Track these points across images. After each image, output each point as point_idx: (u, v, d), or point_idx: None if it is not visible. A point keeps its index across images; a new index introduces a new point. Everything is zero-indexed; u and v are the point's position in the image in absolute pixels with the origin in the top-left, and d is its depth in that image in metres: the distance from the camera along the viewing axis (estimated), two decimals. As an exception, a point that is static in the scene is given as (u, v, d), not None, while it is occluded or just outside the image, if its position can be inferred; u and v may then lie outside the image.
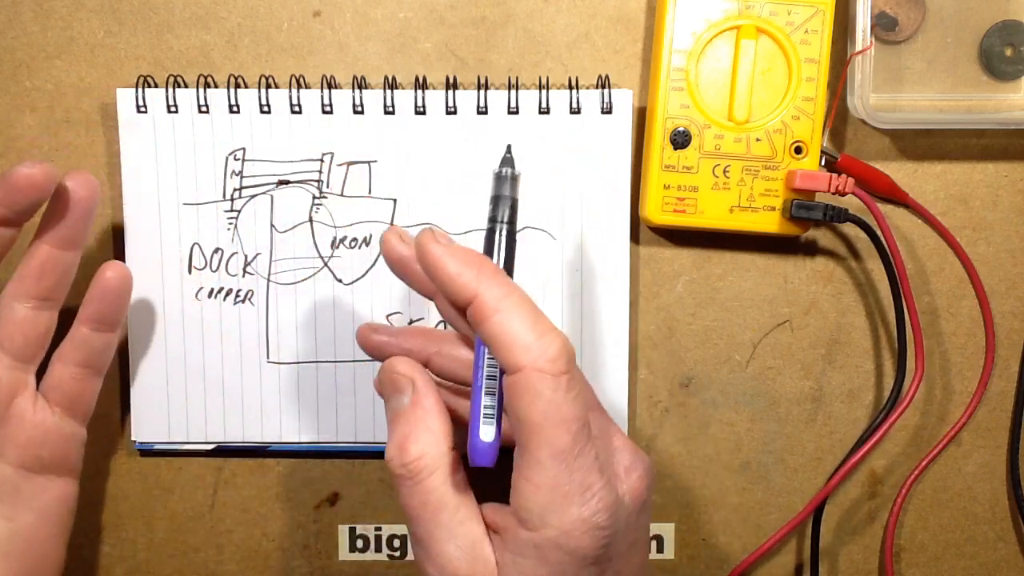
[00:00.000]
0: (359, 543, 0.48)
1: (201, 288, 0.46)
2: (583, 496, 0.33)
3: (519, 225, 0.45)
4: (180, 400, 0.46)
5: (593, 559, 0.33)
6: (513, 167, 0.36)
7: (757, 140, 0.44)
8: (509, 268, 0.36)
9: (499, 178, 0.36)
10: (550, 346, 0.32)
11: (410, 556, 0.48)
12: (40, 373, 0.42)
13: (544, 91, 0.45)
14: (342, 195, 0.45)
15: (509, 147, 0.37)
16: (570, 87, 0.45)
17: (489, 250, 0.36)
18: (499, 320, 0.32)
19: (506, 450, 0.35)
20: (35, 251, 0.40)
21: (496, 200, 0.36)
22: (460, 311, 0.34)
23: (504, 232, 0.36)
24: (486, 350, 0.35)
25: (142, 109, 0.45)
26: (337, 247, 0.46)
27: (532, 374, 0.32)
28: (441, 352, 0.39)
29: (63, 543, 0.42)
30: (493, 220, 0.36)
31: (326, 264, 0.46)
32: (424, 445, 0.35)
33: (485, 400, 0.34)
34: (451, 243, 0.34)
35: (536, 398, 0.32)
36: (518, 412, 0.32)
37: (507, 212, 0.36)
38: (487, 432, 0.34)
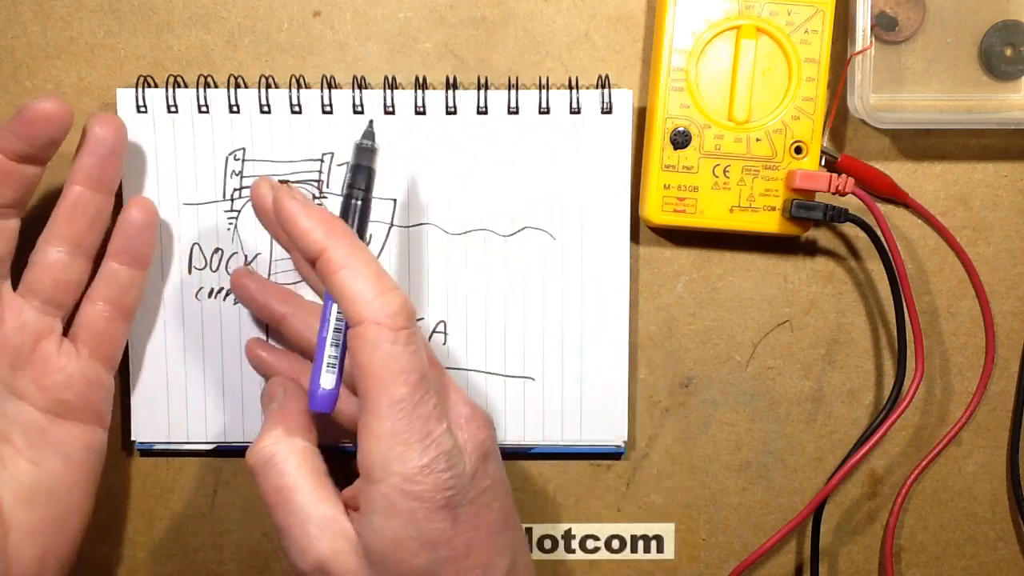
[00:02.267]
0: (359, 543, 0.48)
1: (201, 288, 0.46)
2: (422, 443, 0.34)
3: (519, 226, 0.46)
4: (180, 400, 0.46)
5: (441, 503, 0.35)
6: (373, 140, 0.39)
7: (757, 140, 0.44)
8: (361, 234, 0.39)
9: (360, 149, 0.39)
10: (391, 303, 0.35)
11: (410, 556, 0.48)
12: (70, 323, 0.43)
13: (544, 91, 0.45)
14: (342, 195, 0.45)
15: (371, 122, 0.40)
16: (570, 87, 0.45)
17: (345, 215, 0.39)
18: (344, 275, 0.35)
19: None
20: (67, 193, 0.41)
21: (356, 169, 0.39)
22: (312, 265, 0.36)
23: (360, 200, 0.39)
24: (334, 305, 0.38)
25: (142, 109, 0.45)
26: (337, 247, 0.46)
27: (372, 327, 0.34)
28: (296, 314, 0.43)
29: (90, 494, 0.43)
30: (351, 187, 0.39)
31: (326, 264, 0.46)
32: (277, 435, 0.38)
33: (329, 351, 0.37)
34: (308, 202, 0.37)
35: (376, 349, 0.34)
36: (360, 363, 0.35)
37: (364, 181, 0.39)
38: (328, 380, 0.37)
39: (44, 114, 0.39)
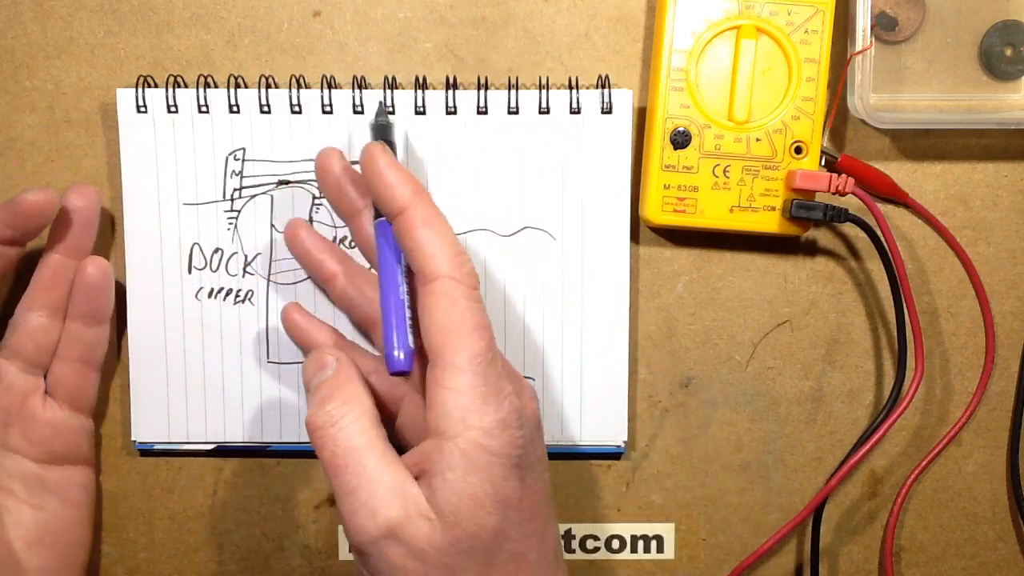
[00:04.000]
0: (359, 543, 0.48)
1: (201, 288, 0.46)
2: (498, 398, 0.35)
3: (519, 226, 0.46)
4: (180, 400, 0.46)
5: (515, 461, 0.35)
6: (386, 115, 0.41)
7: (757, 140, 0.44)
8: None
9: (379, 127, 0.41)
10: (466, 263, 0.36)
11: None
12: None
13: (544, 91, 0.45)
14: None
15: (380, 103, 0.41)
16: (570, 87, 0.45)
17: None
18: (426, 232, 0.36)
19: None
20: (46, 262, 0.43)
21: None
22: (388, 217, 0.38)
23: None
24: (400, 267, 0.39)
25: (142, 109, 0.45)
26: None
27: (449, 282, 0.35)
28: (348, 274, 0.43)
29: (89, 529, 0.45)
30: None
31: (326, 264, 0.46)
32: (348, 395, 0.37)
33: (406, 312, 0.37)
34: (396, 161, 0.38)
35: (453, 304, 0.35)
36: (436, 318, 0.35)
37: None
38: (408, 339, 0.37)
39: (36, 207, 0.40)
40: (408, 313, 0.38)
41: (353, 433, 0.37)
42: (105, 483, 0.48)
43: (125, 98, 0.45)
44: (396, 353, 0.37)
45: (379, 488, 0.35)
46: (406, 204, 0.37)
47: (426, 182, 0.45)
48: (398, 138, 0.45)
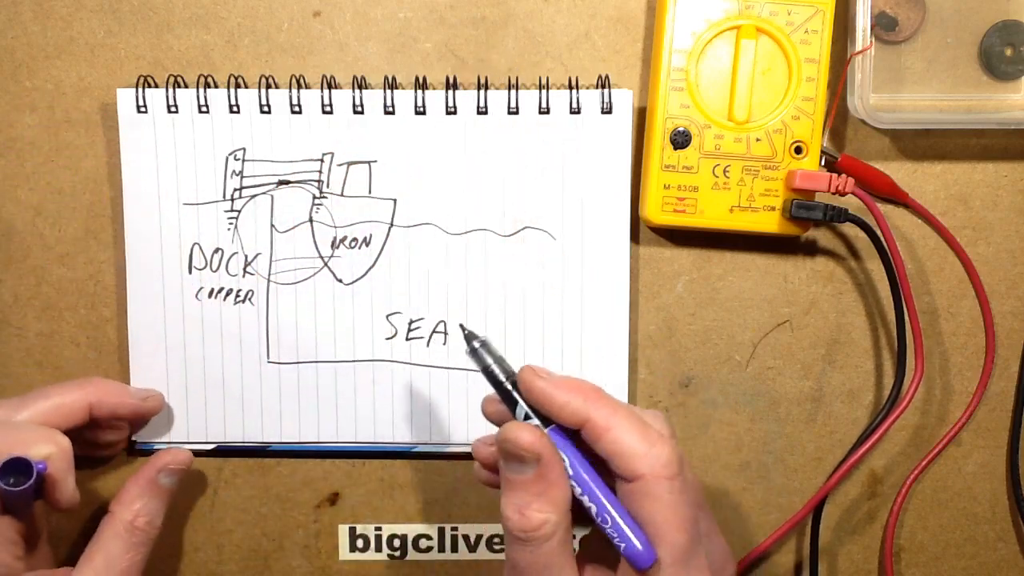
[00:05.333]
0: (359, 543, 0.48)
1: (201, 288, 0.46)
2: None
3: (519, 226, 0.46)
4: (180, 400, 0.46)
5: None
6: (477, 338, 0.38)
7: (757, 140, 0.44)
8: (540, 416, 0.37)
9: (474, 352, 0.38)
10: (662, 452, 0.35)
11: (410, 556, 0.48)
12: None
13: (544, 91, 0.45)
14: (342, 195, 0.45)
15: (462, 326, 0.40)
16: (570, 87, 0.45)
17: (512, 403, 0.38)
18: (614, 436, 0.35)
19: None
20: None
21: (487, 371, 0.38)
22: (574, 432, 0.36)
23: (513, 380, 0.38)
24: (588, 467, 0.36)
25: (142, 109, 0.45)
26: (337, 247, 0.46)
27: (650, 480, 0.34)
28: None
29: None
30: (498, 382, 0.38)
31: (326, 264, 0.46)
32: (547, 514, 0.36)
33: (622, 513, 0.36)
34: (550, 375, 0.37)
35: (656, 502, 0.34)
36: (640, 516, 0.35)
37: (503, 371, 0.38)
38: (637, 538, 0.35)
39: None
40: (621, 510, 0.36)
41: (545, 551, 0.36)
42: (105, 483, 0.48)
43: (125, 98, 0.45)
44: (646, 547, 0.35)
45: None
46: (584, 416, 0.36)
47: (426, 182, 0.45)
48: (398, 143, 0.45)
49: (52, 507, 0.41)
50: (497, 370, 0.38)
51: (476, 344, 0.38)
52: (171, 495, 0.44)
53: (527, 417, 0.37)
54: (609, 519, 0.35)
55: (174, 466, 0.44)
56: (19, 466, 0.38)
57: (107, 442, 0.46)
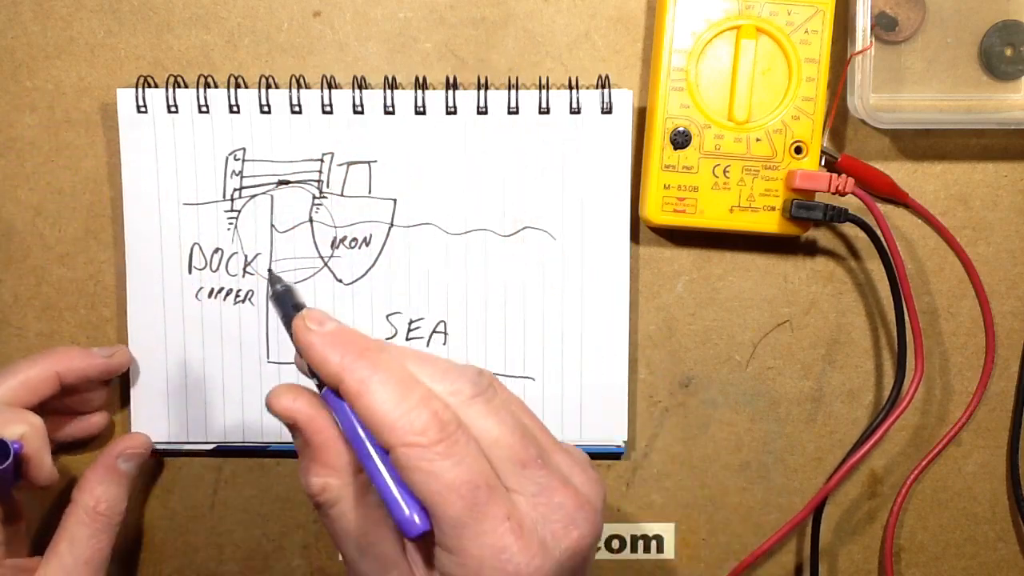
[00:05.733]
0: (359, 543, 0.48)
1: (201, 288, 0.46)
2: (498, 559, 0.32)
3: (519, 226, 0.46)
4: (180, 400, 0.46)
5: None
6: (283, 280, 0.37)
7: (757, 140, 0.44)
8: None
9: (280, 295, 0.36)
10: (415, 419, 0.32)
11: (410, 556, 0.48)
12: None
13: (544, 91, 0.45)
14: (342, 195, 0.45)
15: (271, 271, 0.39)
16: (570, 87, 0.45)
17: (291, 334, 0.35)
18: (363, 403, 0.32)
19: None
20: None
21: (294, 309, 0.36)
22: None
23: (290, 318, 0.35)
24: (360, 436, 0.34)
25: (142, 109, 0.45)
26: (337, 247, 0.46)
27: (401, 450, 0.32)
28: None
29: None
30: (287, 317, 0.36)
31: (326, 264, 0.46)
32: (324, 478, 0.35)
33: (394, 479, 0.33)
34: (323, 325, 0.34)
35: (414, 472, 0.32)
36: (409, 485, 0.32)
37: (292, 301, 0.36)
38: (405, 506, 0.33)
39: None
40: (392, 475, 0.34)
41: (336, 516, 0.35)
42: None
43: (125, 98, 0.45)
44: (410, 516, 0.33)
45: (363, 564, 0.35)
46: (337, 379, 0.33)
47: (426, 182, 0.45)
48: (398, 143, 0.45)
49: (32, 485, 0.41)
50: (287, 310, 0.36)
51: (279, 287, 0.36)
52: (132, 480, 0.45)
53: (312, 374, 0.35)
54: (378, 485, 0.33)
55: (132, 450, 0.45)
56: None
57: (88, 408, 0.46)
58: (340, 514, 0.35)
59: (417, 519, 0.32)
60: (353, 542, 0.35)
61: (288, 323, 0.35)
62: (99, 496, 0.43)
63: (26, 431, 0.40)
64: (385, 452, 0.33)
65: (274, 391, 0.35)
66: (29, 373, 0.42)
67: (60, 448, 0.46)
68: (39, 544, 0.45)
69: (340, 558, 0.36)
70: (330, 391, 0.34)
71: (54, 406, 0.44)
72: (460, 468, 0.32)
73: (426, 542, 0.33)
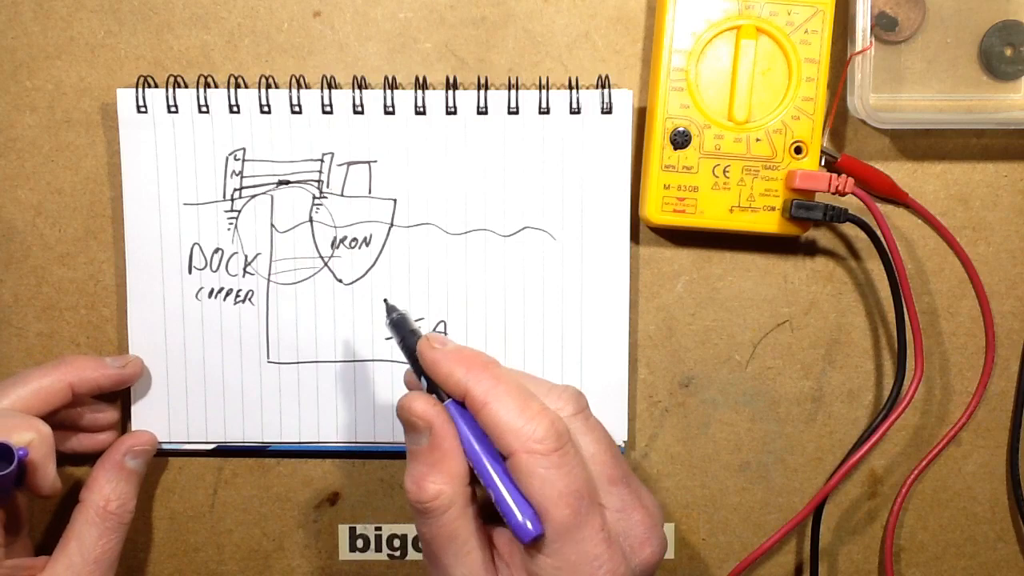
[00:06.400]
0: (359, 543, 0.48)
1: (201, 288, 0.46)
2: (591, 566, 0.34)
3: (519, 226, 0.46)
4: (180, 400, 0.46)
5: None
6: (397, 309, 0.41)
7: (757, 140, 0.44)
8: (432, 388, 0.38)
9: (393, 324, 0.40)
10: (537, 428, 0.35)
11: (410, 556, 0.48)
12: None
13: (544, 91, 0.45)
14: (342, 195, 0.45)
15: (386, 301, 0.42)
16: (570, 87, 0.45)
17: (419, 370, 0.38)
18: (489, 411, 0.35)
19: None
20: None
21: (403, 343, 0.40)
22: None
23: (415, 341, 0.38)
24: (475, 445, 0.37)
25: (142, 109, 0.45)
26: (337, 247, 0.46)
27: (523, 456, 0.34)
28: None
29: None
30: (407, 346, 0.39)
31: (326, 264, 0.46)
32: (440, 485, 0.36)
33: (508, 487, 0.36)
34: (446, 347, 0.37)
35: (531, 477, 0.34)
36: (524, 491, 0.35)
37: (409, 328, 0.40)
38: (521, 512, 0.35)
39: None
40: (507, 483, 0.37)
41: (443, 523, 0.36)
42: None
43: (125, 98, 0.45)
44: (523, 522, 0.35)
45: (456, 571, 0.36)
46: (463, 389, 0.36)
47: (427, 182, 0.45)
48: (398, 143, 0.45)
49: (34, 494, 0.41)
50: (411, 342, 0.39)
51: (395, 316, 0.39)
52: (139, 478, 0.45)
53: (431, 390, 0.38)
54: (495, 493, 0.36)
55: (139, 447, 0.45)
56: (0, 452, 0.38)
57: (96, 426, 0.46)
58: (448, 520, 0.36)
59: (530, 525, 0.35)
60: (453, 548, 0.36)
61: (404, 345, 0.39)
62: (108, 495, 0.43)
63: (34, 438, 0.40)
64: (501, 462, 0.36)
65: (410, 396, 0.38)
66: (42, 382, 0.42)
67: (64, 459, 0.46)
68: (47, 545, 0.45)
69: (427, 564, 0.38)
70: (453, 402, 0.37)
71: (64, 420, 0.44)
72: (570, 477, 0.35)
73: (519, 548, 0.36)
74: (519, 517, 0.35)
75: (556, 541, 0.34)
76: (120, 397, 0.47)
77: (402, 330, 0.40)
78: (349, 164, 0.45)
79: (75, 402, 0.44)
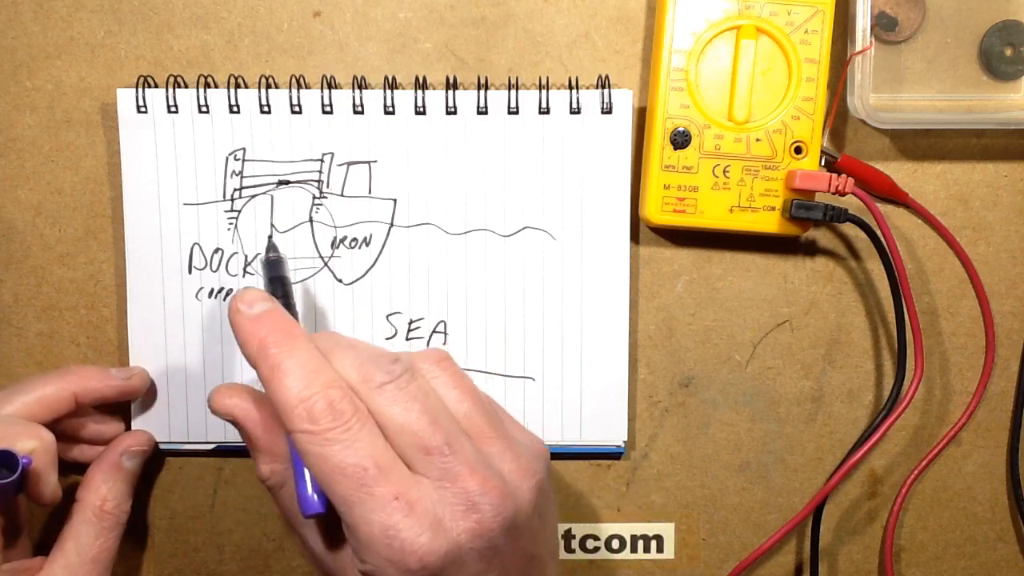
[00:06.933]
0: (359, 543, 0.48)
1: (201, 288, 0.46)
2: (386, 536, 0.34)
3: (519, 226, 0.46)
4: (180, 400, 0.46)
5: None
6: (278, 251, 0.42)
7: (757, 140, 0.44)
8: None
9: (270, 262, 0.41)
10: (312, 407, 0.34)
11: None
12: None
13: (544, 91, 0.45)
14: (342, 195, 0.45)
15: (270, 236, 0.43)
16: (570, 87, 0.45)
17: None
18: (271, 390, 0.35)
19: None
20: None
21: (271, 281, 0.41)
22: None
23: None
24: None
25: (142, 109, 0.45)
26: (337, 247, 0.46)
27: (298, 436, 0.34)
28: None
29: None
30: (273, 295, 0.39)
31: (326, 264, 0.46)
32: (270, 464, 0.39)
33: (295, 462, 0.38)
34: (252, 307, 0.37)
35: (306, 456, 0.34)
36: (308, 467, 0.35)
37: (281, 289, 0.41)
38: (301, 490, 0.37)
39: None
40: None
41: (283, 498, 0.39)
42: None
43: (125, 98, 0.45)
44: (310, 495, 0.37)
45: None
46: (254, 364, 0.36)
47: (426, 182, 0.45)
48: (398, 143, 0.45)
49: (34, 502, 0.41)
50: (272, 289, 0.40)
51: (271, 256, 0.40)
52: (135, 477, 0.45)
53: None
54: (295, 469, 0.37)
55: (136, 448, 0.45)
56: (3, 459, 0.38)
57: (100, 439, 0.46)
58: (286, 495, 0.38)
59: (316, 498, 0.36)
60: (298, 519, 0.38)
61: (269, 290, 0.39)
62: (105, 495, 0.43)
63: (37, 446, 0.40)
64: None
65: (213, 392, 0.39)
66: (46, 390, 0.42)
67: (65, 467, 0.46)
68: (43, 544, 0.45)
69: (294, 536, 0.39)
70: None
71: (67, 430, 0.44)
72: (348, 452, 0.34)
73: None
74: (307, 491, 0.36)
75: (346, 515, 0.34)
76: (124, 409, 0.47)
77: (270, 272, 0.40)
78: (349, 164, 0.45)
79: (78, 412, 0.44)
